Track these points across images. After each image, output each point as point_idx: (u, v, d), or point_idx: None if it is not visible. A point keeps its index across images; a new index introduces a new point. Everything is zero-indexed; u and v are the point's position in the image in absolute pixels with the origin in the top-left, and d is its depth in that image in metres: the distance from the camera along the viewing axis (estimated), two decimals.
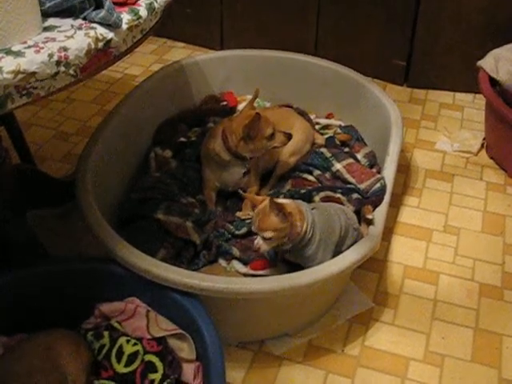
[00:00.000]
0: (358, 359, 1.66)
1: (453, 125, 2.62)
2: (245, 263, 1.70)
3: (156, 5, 1.40)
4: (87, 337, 1.52)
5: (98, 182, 1.73)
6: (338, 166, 1.95)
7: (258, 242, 1.53)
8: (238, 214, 1.85)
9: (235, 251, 1.71)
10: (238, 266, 1.70)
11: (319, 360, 1.66)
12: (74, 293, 1.55)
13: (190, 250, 1.71)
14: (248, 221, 1.79)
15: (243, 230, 1.77)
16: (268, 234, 1.50)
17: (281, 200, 1.58)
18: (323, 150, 2.02)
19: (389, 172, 1.87)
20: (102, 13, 1.25)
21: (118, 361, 1.45)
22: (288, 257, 1.65)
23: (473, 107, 2.74)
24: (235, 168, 1.88)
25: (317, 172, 1.97)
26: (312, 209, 1.61)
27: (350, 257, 1.56)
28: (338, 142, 2.15)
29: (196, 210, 1.83)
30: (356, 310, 1.79)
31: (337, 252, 1.61)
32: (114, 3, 1.31)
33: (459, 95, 2.82)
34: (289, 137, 1.82)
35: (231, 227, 1.79)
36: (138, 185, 1.91)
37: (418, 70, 2.85)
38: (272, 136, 1.80)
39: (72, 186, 1.68)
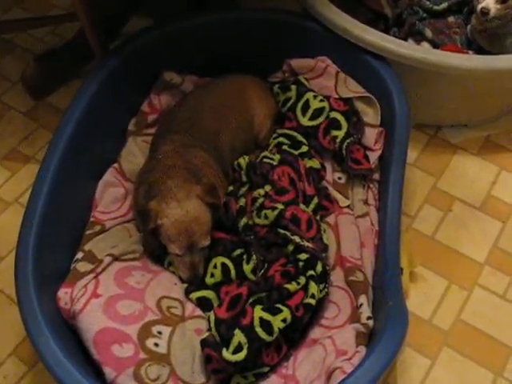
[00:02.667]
0: None
1: None
2: (435, 46, 1.63)
3: None
4: (274, 89, 1.55)
5: None
6: None
7: (488, 4, 1.44)
8: None
9: (428, 32, 1.64)
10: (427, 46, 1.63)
11: (495, 156, 1.62)
12: (264, 45, 1.56)
13: (380, 25, 1.65)
14: None
15: (443, 6, 1.68)
16: None
17: None
18: None
19: None
20: None
21: (303, 114, 1.48)
22: (484, 44, 1.57)
23: None
24: None
25: None
26: None
27: None
28: None
29: None
30: None
31: None
32: None
33: None
34: None
35: (428, 3, 1.69)
36: None
37: None
38: None
39: None
